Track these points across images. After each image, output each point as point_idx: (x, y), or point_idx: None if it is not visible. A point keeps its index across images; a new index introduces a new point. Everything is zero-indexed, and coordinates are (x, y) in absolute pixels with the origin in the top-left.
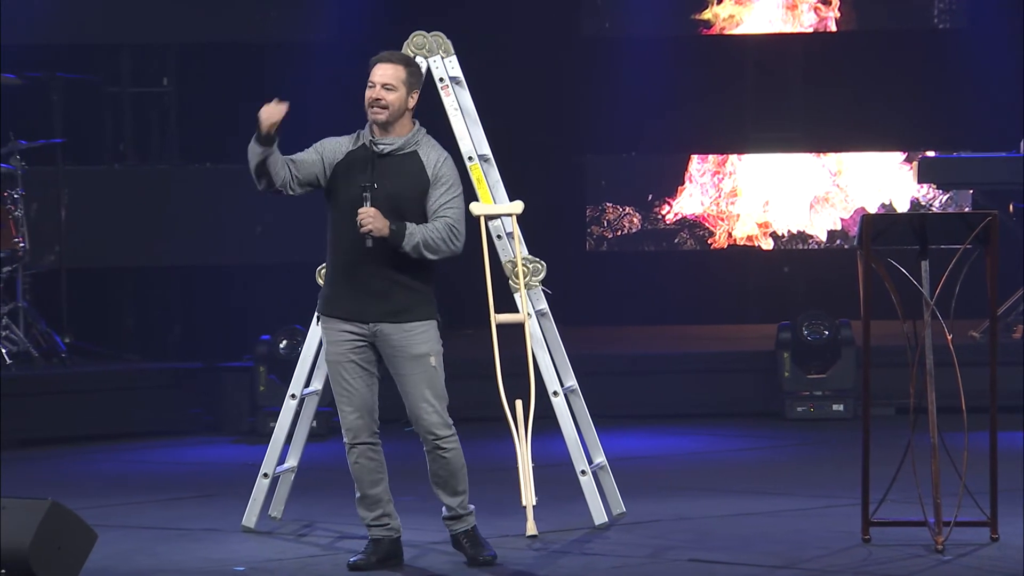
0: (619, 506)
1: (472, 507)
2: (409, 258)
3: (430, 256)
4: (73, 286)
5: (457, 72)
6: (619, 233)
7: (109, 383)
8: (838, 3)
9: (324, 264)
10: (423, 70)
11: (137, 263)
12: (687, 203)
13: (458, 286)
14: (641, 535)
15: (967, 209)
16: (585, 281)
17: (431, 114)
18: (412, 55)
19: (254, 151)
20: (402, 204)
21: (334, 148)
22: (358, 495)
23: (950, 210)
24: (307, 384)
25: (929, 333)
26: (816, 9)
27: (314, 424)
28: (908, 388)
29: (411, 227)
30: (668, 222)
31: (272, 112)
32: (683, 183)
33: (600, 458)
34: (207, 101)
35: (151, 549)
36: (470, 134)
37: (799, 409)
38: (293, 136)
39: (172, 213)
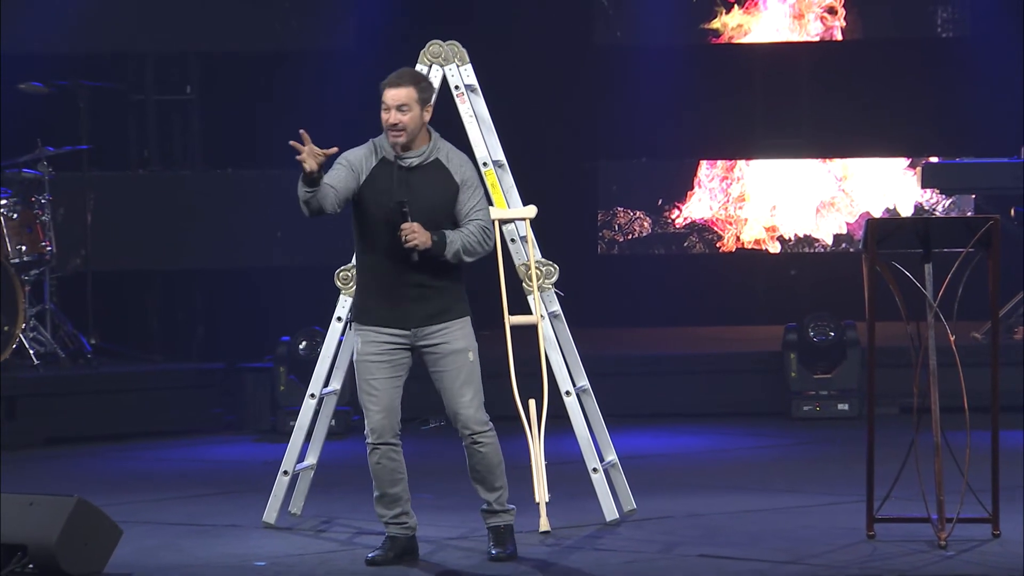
0: (630, 503)
1: (512, 506)
2: (438, 264)
3: (468, 259)
4: (99, 289)
5: (472, 80)
6: (630, 237)
7: (134, 383)
8: (844, 12)
9: (342, 267)
10: (438, 79)
11: (161, 266)
12: (696, 207)
13: (473, 288)
14: (652, 531)
15: (969, 213)
16: (597, 284)
17: (447, 121)
18: (428, 63)
19: (303, 191)
20: (437, 214)
21: (360, 161)
22: (377, 494)
23: (953, 214)
24: (326, 384)
25: (932, 334)
26: (823, 18)
27: (333, 423)
28: (912, 388)
29: (450, 235)
30: (678, 226)
31: (315, 156)
32: (692, 188)
33: (611, 456)
34: (229, 108)
35: (175, 544)
36: (485, 141)
37: (805, 408)
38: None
39: (195, 217)
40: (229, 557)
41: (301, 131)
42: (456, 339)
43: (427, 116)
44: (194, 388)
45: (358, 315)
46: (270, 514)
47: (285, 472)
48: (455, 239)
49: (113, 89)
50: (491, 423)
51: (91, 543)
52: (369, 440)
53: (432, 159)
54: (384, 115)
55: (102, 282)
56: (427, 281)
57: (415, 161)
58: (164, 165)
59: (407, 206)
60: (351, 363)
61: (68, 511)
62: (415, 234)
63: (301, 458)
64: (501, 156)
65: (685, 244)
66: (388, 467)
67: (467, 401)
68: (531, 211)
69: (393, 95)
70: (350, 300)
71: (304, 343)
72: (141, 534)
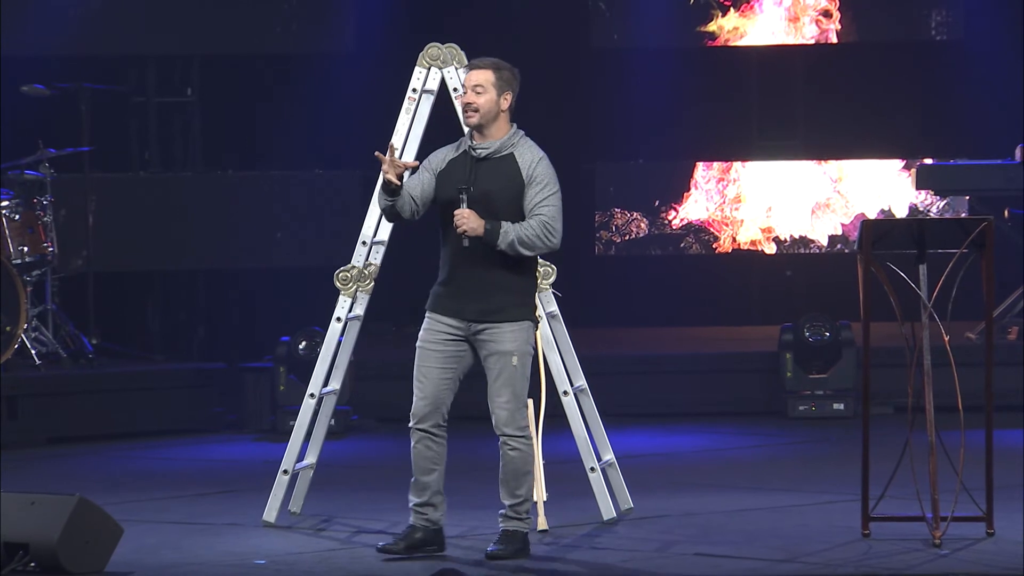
0: (627, 502)
1: (530, 518)
2: (507, 260)
3: (526, 252)
4: (100, 289)
5: None
6: (627, 238)
7: (135, 383)
8: (839, 15)
9: (341, 268)
10: (436, 81)
11: (162, 267)
12: (693, 209)
13: None
14: (649, 530)
15: (964, 215)
16: (594, 284)
17: (447, 122)
18: (427, 66)
19: (383, 199)
20: (497, 205)
21: (439, 159)
22: (412, 479)
23: (947, 216)
24: (325, 383)
25: (927, 335)
26: (818, 21)
27: (332, 422)
28: (907, 388)
29: (506, 225)
30: (674, 227)
31: (396, 167)
32: (689, 189)
33: (609, 455)
34: (229, 111)
35: (175, 543)
36: None
37: (801, 408)
38: (312, 143)
39: (195, 219)
40: (229, 555)
41: (392, 144)
42: (504, 341)
43: (504, 103)
44: (194, 388)
45: (430, 301)
46: (270, 513)
47: (285, 471)
48: (510, 230)
49: (114, 91)
50: (527, 430)
51: (92, 542)
52: (410, 423)
53: (506, 152)
54: (461, 97)
55: (103, 283)
56: (489, 276)
57: (486, 151)
58: (165, 167)
59: (464, 192)
60: (350, 363)
61: (69, 510)
62: (465, 219)
63: (301, 457)
64: None
65: (682, 245)
66: (424, 454)
67: (502, 403)
68: None
69: (471, 76)
70: (349, 300)
71: (304, 343)
72: (142, 532)
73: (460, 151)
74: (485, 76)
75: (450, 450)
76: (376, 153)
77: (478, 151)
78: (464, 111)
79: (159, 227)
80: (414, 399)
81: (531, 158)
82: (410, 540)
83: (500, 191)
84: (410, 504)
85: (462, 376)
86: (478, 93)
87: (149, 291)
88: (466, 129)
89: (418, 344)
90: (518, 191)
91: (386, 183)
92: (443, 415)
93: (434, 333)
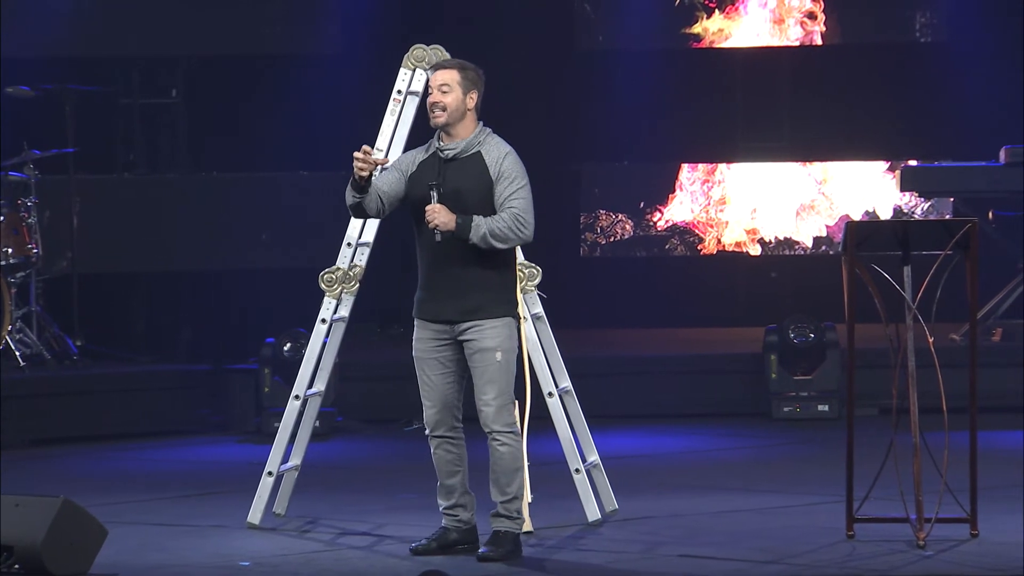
0: (612, 503)
1: (521, 518)
2: (482, 258)
3: (499, 245)
4: (85, 291)
5: None
6: (612, 239)
7: (120, 384)
8: (824, 17)
9: (326, 270)
10: (421, 83)
11: (147, 268)
12: (678, 210)
13: None
14: (633, 531)
15: (948, 216)
16: (579, 286)
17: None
18: (412, 67)
19: (350, 194)
20: (467, 203)
21: (409, 159)
22: (438, 483)
23: (931, 217)
24: (310, 385)
25: (911, 336)
26: (803, 23)
27: (317, 424)
28: (891, 389)
29: (477, 219)
30: (659, 229)
31: (365, 165)
32: (674, 191)
33: (593, 457)
34: (214, 112)
35: (160, 544)
36: None
37: (785, 409)
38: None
39: (180, 220)
40: (214, 557)
41: (365, 146)
42: (487, 337)
43: (470, 102)
44: (179, 389)
45: (414, 308)
46: (255, 515)
47: (270, 473)
48: (482, 223)
49: (99, 93)
50: (515, 427)
51: (77, 543)
52: (427, 432)
53: (473, 151)
54: (428, 98)
55: (88, 284)
56: (465, 276)
57: (453, 152)
58: (150, 168)
59: (435, 189)
60: (335, 365)
61: (54, 512)
62: (436, 214)
63: (285, 459)
64: None
65: (666, 246)
66: (444, 458)
67: (488, 399)
68: None
69: (437, 76)
70: (334, 302)
71: (289, 345)
72: (126, 534)
73: (429, 152)
74: (451, 75)
75: (429, 451)
76: (354, 153)
77: (445, 152)
78: (430, 110)
79: (144, 229)
80: (424, 409)
81: (497, 154)
82: (443, 541)
83: (470, 190)
84: (441, 507)
85: (464, 374)
86: (444, 92)
87: (134, 293)
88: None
89: (414, 354)
90: (488, 188)
91: (356, 178)
92: (456, 417)
93: (424, 341)
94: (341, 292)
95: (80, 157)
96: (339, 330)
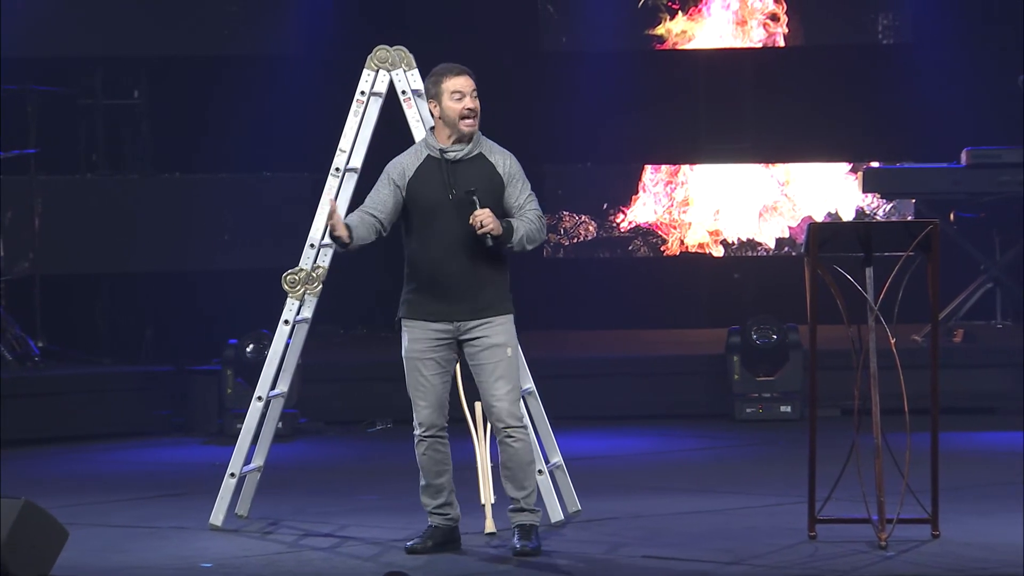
0: (575, 504)
1: (538, 508)
2: (489, 258)
3: (529, 247)
4: (47, 292)
5: (419, 85)
6: (575, 240)
7: (82, 386)
8: (786, 19)
9: (289, 271)
10: (385, 84)
11: (109, 269)
12: (641, 212)
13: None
14: (596, 532)
15: (910, 218)
16: (543, 287)
17: (395, 125)
18: (375, 68)
19: (339, 249)
20: (483, 204)
21: (402, 168)
22: (423, 483)
23: (893, 219)
24: (273, 386)
25: (873, 337)
26: (765, 25)
27: (279, 425)
28: (853, 390)
29: (515, 223)
30: (623, 230)
31: (340, 227)
32: (637, 192)
33: (557, 458)
34: (177, 113)
35: (122, 546)
36: None
37: (748, 410)
38: (260, 146)
39: (143, 221)
40: (176, 559)
41: (331, 200)
42: (496, 334)
43: None
44: (142, 390)
45: (407, 310)
46: (217, 516)
47: (232, 474)
48: (519, 227)
49: (61, 93)
50: (526, 421)
51: (38, 545)
52: (417, 432)
53: (476, 153)
54: (458, 103)
55: (50, 285)
56: (473, 276)
57: (460, 154)
58: (112, 169)
59: (475, 194)
60: (298, 366)
61: (15, 513)
62: (490, 219)
63: (248, 460)
64: None
65: (630, 248)
66: (434, 458)
67: (501, 395)
68: None
69: (468, 81)
70: (297, 303)
71: (251, 346)
72: (88, 536)
73: (423, 157)
74: (473, 83)
75: (391, 454)
76: (331, 226)
77: (451, 154)
78: (467, 117)
79: (106, 230)
80: (416, 409)
81: (502, 157)
82: (436, 539)
83: (484, 191)
84: (427, 507)
85: (452, 376)
86: (475, 98)
87: (96, 294)
88: (419, 135)
89: (408, 355)
90: (498, 189)
91: (337, 240)
92: (445, 417)
93: (422, 341)
94: (304, 293)
95: (42, 158)
96: (302, 331)
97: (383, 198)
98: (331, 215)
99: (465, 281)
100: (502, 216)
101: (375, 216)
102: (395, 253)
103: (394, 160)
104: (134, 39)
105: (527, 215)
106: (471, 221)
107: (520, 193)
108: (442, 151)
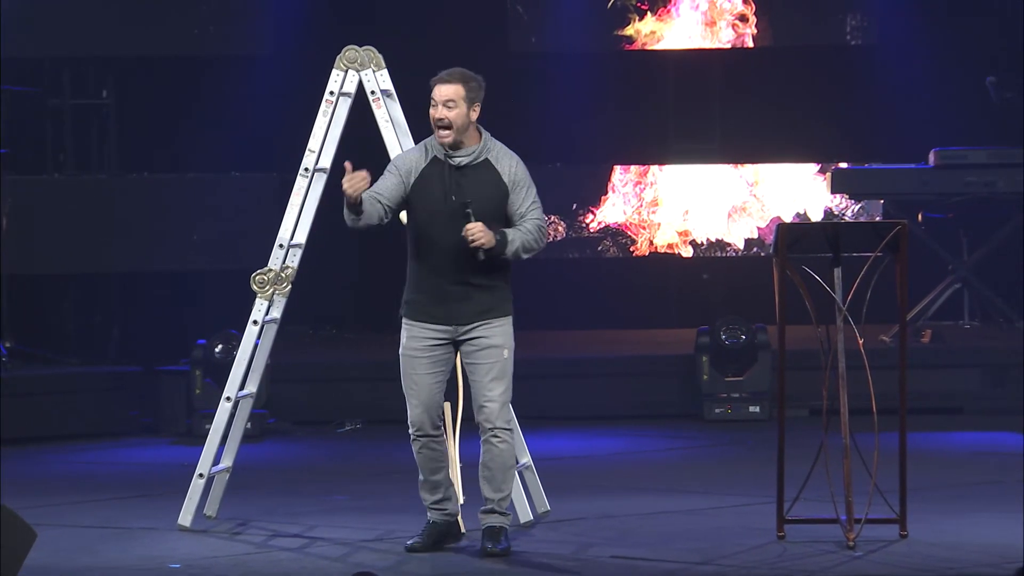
0: (544, 505)
1: (510, 513)
2: (491, 262)
3: (525, 256)
4: (14, 292)
5: (388, 85)
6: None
7: (49, 386)
8: (755, 20)
9: (258, 271)
10: (354, 84)
11: (77, 270)
12: (610, 212)
13: (390, 292)
14: (565, 533)
15: (878, 219)
16: (512, 287)
17: (362, 126)
18: (344, 68)
19: (348, 217)
20: (483, 209)
21: (409, 164)
22: (421, 479)
23: (862, 219)
24: (242, 387)
25: (841, 338)
26: (734, 26)
27: (248, 426)
28: (821, 390)
29: (510, 234)
30: (592, 230)
31: (356, 185)
32: (606, 193)
33: (526, 458)
34: (146, 113)
35: (90, 547)
36: (401, 145)
37: (717, 411)
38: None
39: (111, 221)
40: (144, 560)
41: (346, 163)
42: (494, 335)
43: (474, 115)
44: (110, 391)
45: (408, 310)
46: (185, 517)
47: (200, 475)
48: (515, 237)
49: (29, 93)
50: (513, 425)
51: (5, 546)
52: (410, 431)
53: (482, 159)
54: (432, 111)
55: (18, 285)
56: (475, 280)
57: (464, 160)
58: (80, 169)
59: (471, 206)
60: (267, 366)
61: None
62: (481, 233)
63: (217, 461)
64: None
65: (599, 248)
66: (429, 456)
67: (494, 396)
68: None
69: (441, 91)
70: (266, 304)
71: (220, 346)
72: (56, 537)
73: (429, 158)
74: (455, 90)
75: (361, 455)
76: (346, 162)
77: (456, 160)
78: (436, 127)
79: (74, 230)
80: (409, 408)
81: (508, 163)
82: (435, 535)
83: (486, 198)
84: (426, 502)
85: (449, 375)
86: (449, 108)
87: (64, 294)
88: (388, 135)
89: (403, 353)
90: (502, 196)
91: (349, 201)
92: (439, 416)
93: (420, 340)
94: (273, 293)
95: (10, 158)
96: (271, 332)
97: (390, 186)
98: (350, 173)
99: (466, 287)
100: (504, 222)
101: (382, 202)
102: (367, 254)
103: (402, 154)
104: (103, 39)
105: (526, 224)
106: (463, 234)
107: (523, 201)
108: (447, 156)
